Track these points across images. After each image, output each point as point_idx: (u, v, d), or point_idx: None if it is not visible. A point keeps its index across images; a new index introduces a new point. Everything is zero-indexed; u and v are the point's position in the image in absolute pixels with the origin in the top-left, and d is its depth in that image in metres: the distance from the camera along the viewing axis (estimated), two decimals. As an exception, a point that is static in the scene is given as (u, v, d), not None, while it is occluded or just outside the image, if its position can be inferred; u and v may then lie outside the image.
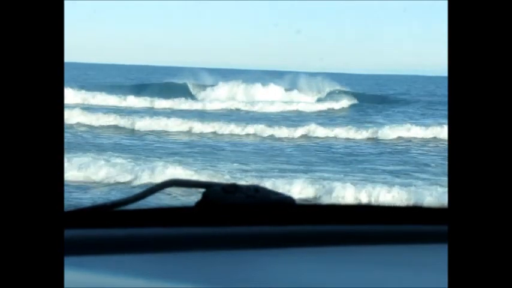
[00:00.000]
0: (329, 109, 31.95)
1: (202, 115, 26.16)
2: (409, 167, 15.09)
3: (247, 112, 29.91)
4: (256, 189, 1.46)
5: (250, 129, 21.98)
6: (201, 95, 36.27)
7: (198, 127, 22.23)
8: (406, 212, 1.60)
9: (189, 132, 21.71)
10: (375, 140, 20.91)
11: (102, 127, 22.36)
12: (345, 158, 16.50)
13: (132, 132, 21.52)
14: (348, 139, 21.00)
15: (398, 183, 12.60)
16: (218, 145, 18.51)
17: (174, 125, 22.47)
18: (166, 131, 21.64)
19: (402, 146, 19.59)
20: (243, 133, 21.58)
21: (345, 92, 37.07)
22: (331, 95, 36.13)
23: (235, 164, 14.41)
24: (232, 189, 1.44)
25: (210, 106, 31.13)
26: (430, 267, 1.27)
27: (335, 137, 21.25)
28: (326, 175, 13.34)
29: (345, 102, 33.47)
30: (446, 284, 1.08)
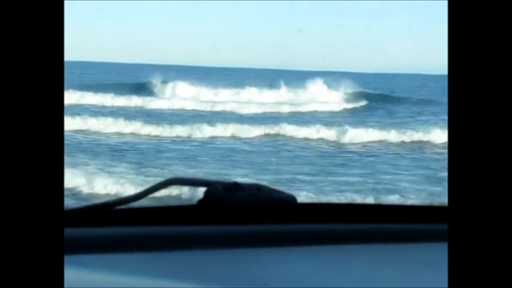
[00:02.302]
0: (351, 108, 30.78)
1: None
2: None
3: (255, 113, 28.65)
4: (258, 188, 1.46)
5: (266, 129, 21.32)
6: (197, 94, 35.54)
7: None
8: (406, 211, 1.60)
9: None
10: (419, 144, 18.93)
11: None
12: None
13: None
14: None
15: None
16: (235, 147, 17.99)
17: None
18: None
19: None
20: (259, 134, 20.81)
21: (362, 92, 35.72)
22: (349, 94, 34.71)
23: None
24: (234, 187, 1.44)
25: (214, 107, 30.32)
26: (430, 266, 1.27)
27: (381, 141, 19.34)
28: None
29: (363, 102, 32.18)
30: (446, 283, 1.08)
